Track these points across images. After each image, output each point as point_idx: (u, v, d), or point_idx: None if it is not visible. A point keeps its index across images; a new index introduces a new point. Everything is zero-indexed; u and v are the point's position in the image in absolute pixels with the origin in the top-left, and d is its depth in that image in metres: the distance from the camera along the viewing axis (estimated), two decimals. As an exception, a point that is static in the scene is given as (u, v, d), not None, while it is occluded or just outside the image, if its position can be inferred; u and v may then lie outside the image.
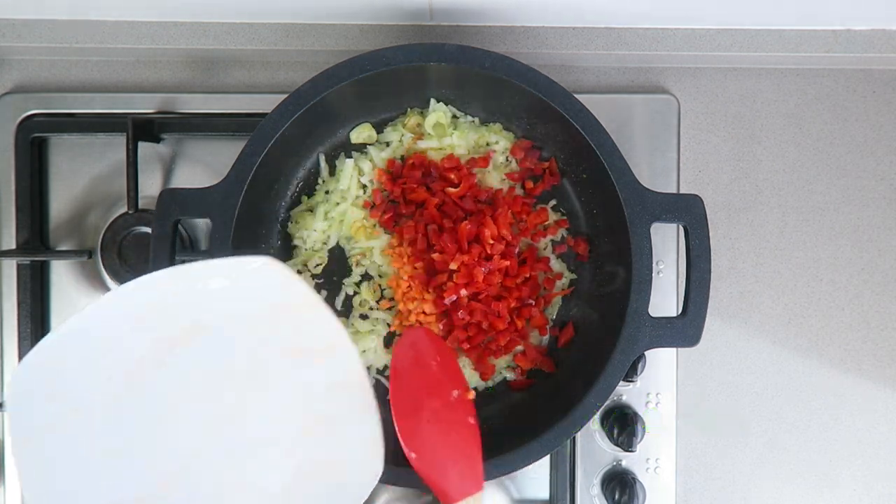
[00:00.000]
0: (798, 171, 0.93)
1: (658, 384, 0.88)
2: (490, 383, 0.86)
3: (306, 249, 0.85)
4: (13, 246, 0.87)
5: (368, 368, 0.86)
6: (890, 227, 0.93)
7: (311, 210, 0.85)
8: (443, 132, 0.84)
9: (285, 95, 0.73)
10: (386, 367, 0.86)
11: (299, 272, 0.85)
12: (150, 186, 0.89)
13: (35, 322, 0.86)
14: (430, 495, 0.85)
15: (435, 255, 0.81)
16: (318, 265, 0.85)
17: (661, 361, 0.88)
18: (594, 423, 0.87)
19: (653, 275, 0.73)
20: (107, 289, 0.88)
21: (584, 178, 0.82)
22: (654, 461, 0.88)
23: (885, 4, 0.82)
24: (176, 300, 0.58)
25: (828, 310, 0.93)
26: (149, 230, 0.84)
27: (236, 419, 0.60)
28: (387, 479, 0.71)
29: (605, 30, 0.88)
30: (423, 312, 0.83)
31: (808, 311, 0.93)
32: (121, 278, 0.85)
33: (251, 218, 0.78)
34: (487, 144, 0.85)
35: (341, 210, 0.84)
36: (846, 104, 0.93)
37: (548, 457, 0.83)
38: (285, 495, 0.61)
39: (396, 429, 0.63)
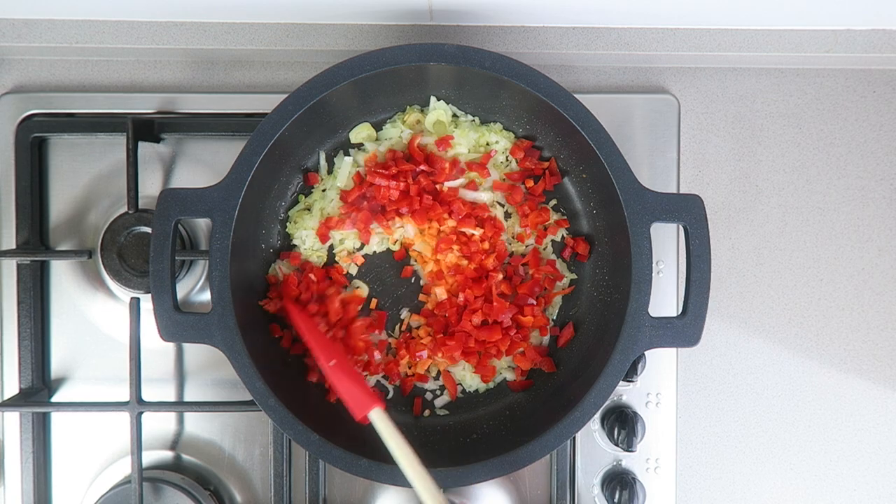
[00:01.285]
0: (798, 171, 0.93)
1: (658, 384, 0.88)
2: (490, 384, 0.86)
3: (305, 249, 0.85)
4: (13, 246, 0.87)
5: (368, 368, 0.86)
6: (890, 227, 0.93)
7: (309, 209, 0.85)
8: (443, 130, 0.84)
9: (285, 95, 0.73)
10: (386, 367, 0.86)
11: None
12: (150, 186, 0.89)
13: (35, 322, 0.86)
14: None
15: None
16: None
17: (661, 361, 0.88)
18: (594, 423, 0.87)
19: (653, 275, 0.73)
20: (107, 289, 0.88)
21: (584, 178, 0.82)
22: (654, 461, 0.88)
23: (885, 4, 0.82)
24: None
25: (828, 310, 0.93)
26: (149, 230, 0.84)
27: None
28: (386, 478, 0.71)
29: (605, 30, 0.88)
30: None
31: (808, 311, 0.93)
32: (121, 278, 0.85)
33: (251, 218, 0.78)
34: (487, 144, 0.85)
35: (333, 205, 0.84)
36: (846, 104, 0.93)
37: (548, 457, 0.83)
38: None
39: (314, 349, 0.76)
